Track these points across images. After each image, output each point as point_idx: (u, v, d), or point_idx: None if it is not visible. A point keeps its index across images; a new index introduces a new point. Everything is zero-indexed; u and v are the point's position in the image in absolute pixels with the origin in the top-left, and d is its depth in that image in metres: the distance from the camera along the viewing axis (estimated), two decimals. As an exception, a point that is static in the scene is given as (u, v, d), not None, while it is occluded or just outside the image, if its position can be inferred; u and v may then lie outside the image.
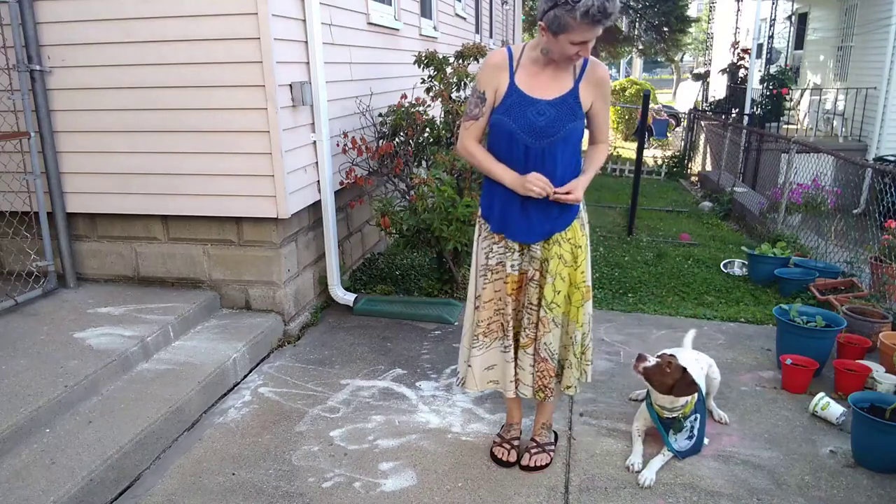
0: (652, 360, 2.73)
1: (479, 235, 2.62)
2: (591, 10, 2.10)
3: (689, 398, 2.75)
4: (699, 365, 3.02)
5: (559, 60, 2.34)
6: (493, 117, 2.46)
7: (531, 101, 2.37)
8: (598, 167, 2.56)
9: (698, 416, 2.83)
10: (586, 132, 2.57)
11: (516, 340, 2.61)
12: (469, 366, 2.66)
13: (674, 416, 2.76)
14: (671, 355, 2.83)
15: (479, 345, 2.62)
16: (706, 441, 2.89)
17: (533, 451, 2.74)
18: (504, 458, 2.74)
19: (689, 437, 2.81)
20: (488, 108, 2.47)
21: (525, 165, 2.40)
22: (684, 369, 2.74)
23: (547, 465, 2.71)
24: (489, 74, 2.44)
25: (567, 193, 2.38)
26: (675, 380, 2.71)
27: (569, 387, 2.65)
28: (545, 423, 2.82)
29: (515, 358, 2.61)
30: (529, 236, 2.49)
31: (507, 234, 2.52)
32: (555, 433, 2.89)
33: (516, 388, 2.63)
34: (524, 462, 2.71)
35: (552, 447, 2.79)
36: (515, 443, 2.81)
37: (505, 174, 2.43)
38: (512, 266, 2.53)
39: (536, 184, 2.35)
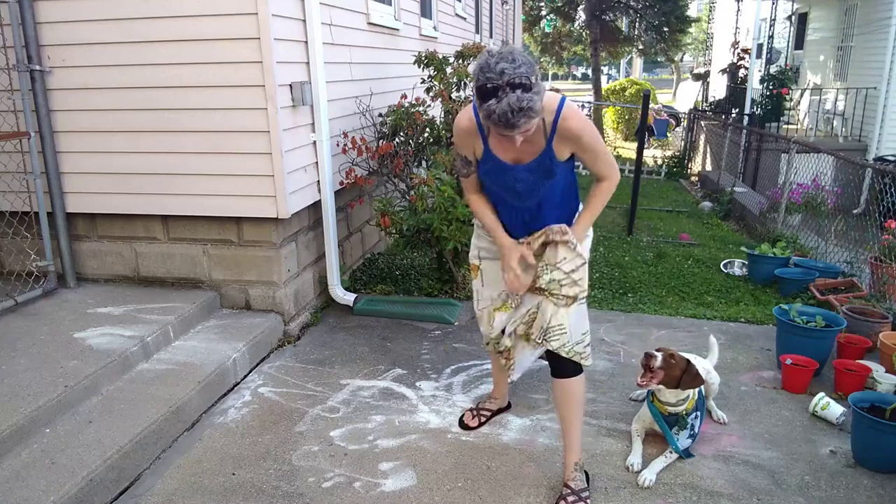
0: (659, 356, 2.73)
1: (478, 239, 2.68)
2: (492, 117, 2.03)
3: (692, 392, 2.76)
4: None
5: None
6: (479, 174, 2.47)
7: (507, 167, 2.34)
8: (596, 210, 2.45)
9: (699, 413, 2.83)
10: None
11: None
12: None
13: (678, 411, 2.76)
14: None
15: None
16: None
17: (570, 499, 2.48)
18: (467, 422, 2.99)
19: (691, 436, 2.81)
20: (475, 165, 2.46)
21: (521, 212, 2.45)
22: (688, 361, 2.76)
23: None
24: (463, 140, 2.41)
25: (563, 234, 2.39)
26: (681, 370, 2.72)
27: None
28: (577, 462, 2.58)
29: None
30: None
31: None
32: (586, 473, 2.63)
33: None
34: None
35: (587, 493, 2.52)
36: (485, 412, 3.04)
37: (501, 239, 2.48)
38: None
39: (511, 270, 2.41)
